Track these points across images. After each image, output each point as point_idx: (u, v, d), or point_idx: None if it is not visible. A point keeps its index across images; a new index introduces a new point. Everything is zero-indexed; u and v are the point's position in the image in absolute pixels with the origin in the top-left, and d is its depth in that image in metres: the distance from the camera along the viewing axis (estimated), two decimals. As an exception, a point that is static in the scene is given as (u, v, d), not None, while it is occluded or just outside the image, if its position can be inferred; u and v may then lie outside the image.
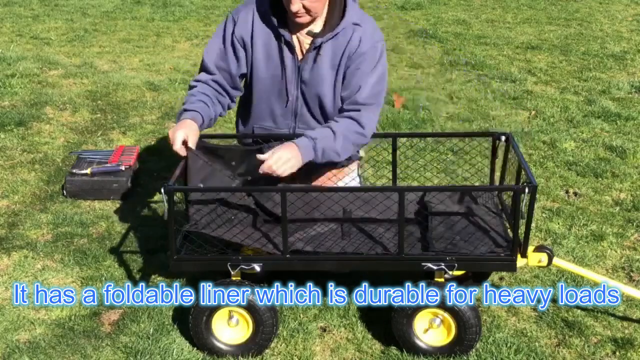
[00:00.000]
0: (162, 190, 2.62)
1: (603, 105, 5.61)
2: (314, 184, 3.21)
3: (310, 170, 3.04)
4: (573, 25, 8.35)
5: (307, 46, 3.00)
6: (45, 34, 7.85)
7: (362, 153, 3.45)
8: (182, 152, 2.85)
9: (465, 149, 4.62)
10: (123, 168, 4.22)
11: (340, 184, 3.27)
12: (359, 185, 3.38)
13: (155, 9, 9.14)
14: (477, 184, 3.69)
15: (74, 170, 4.19)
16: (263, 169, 2.82)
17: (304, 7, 2.87)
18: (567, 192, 4.25)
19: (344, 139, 2.94)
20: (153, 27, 8.27)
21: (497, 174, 3.28)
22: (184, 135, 2.84)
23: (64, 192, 4.15)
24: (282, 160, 2.81)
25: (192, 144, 2.87)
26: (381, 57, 3.01)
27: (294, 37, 3.01)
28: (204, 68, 3.11)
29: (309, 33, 3.00)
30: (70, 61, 6.79)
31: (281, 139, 3.03)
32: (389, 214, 2.96)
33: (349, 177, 3.30)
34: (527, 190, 2.60)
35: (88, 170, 4.15)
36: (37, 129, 5.08)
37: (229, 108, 3.18)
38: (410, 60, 6.97)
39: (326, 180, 3.25)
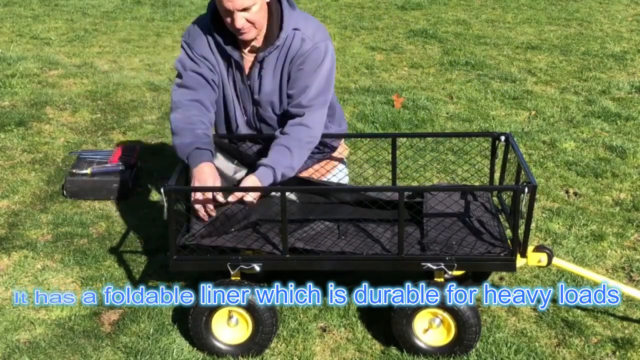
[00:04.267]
0: (162, 190, 2.63)
1: (603, 105, 5.61)
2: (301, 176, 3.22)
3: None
4: (573, 25, 8.35)
5: (250, 63, 3.02)
6: (45, 34, 7.85)
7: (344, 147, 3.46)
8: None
9: (465, 149, 4.62)
10: (123, 168, 4.21)
11: (329, 175, 3.31)
12: (347, 176, 3.42)
13: (155, 9, 9.14)
14: (477, 184, 3.69)
15: (74, 170, 4.18)
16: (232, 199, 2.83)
17: (247, 20, 2.86)
18: (567, 192, 4.24)
19: (299, 150, 2.94)
20: (153, 27, 8.27)
21: (497, 174, 3.28)
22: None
23: (64, 192, 4.15)
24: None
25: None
26: (325, 57, 2.97)
27: (243, 56, 3.02)
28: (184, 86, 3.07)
29: (251, 49, 3.01)
30: (70, 61, 6.79)
31: (256, 140, 3.15)
32: (388, 214, 2.96)
33: (337, 169, 3.35)
34: (526, 190, 2.60)
35: (88, 170, 4.15)
36: (37, 129, 5.08)
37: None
38: (411, 60, 6.97)
39: (313, 172, 3.27)
